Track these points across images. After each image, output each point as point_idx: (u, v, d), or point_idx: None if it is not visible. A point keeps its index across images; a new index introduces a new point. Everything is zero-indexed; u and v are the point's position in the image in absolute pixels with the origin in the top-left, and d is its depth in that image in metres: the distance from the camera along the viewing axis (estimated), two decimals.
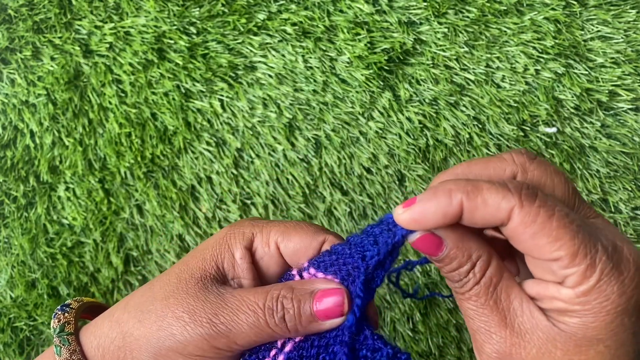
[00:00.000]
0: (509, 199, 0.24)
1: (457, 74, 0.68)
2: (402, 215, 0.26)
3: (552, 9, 0.68)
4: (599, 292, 0.23)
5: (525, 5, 0.69)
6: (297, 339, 0.29)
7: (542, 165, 0.27)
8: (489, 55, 0.68)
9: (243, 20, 0.68)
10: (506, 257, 0.30)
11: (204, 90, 0.68)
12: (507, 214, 0.24)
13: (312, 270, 0.30)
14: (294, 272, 0.31)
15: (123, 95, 0.68)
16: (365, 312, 0.27)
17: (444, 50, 0.68)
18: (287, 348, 0.29)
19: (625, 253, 0.24)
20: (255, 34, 0.69)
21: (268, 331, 0.28)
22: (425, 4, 0.69)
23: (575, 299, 0.23)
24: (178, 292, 0.29)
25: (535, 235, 0.23)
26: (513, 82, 0.67)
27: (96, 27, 0.70)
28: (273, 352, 0.29)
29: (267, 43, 0.69)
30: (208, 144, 0.67)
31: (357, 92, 0.67)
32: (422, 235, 0.26)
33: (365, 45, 0.67)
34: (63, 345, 0.30)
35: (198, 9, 0.69)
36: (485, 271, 0.26)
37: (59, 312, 0.32)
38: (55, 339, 0.31)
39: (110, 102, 0.68)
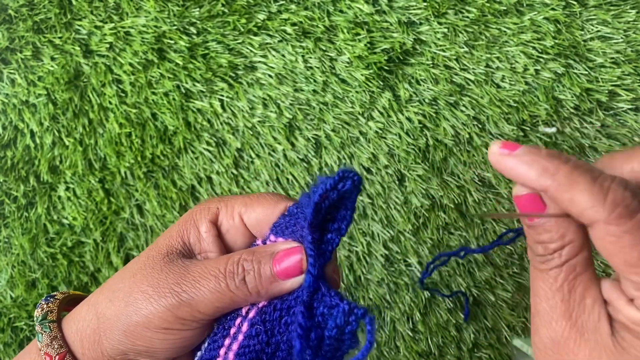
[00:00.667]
0: (597, 210, 0.23)
1: (457, 74, 0.68)
2: (493, 156, 0.25)
3: (552, 9, 0.68)
4: None
5: (525, 5, 0.69)
6: (260, 305, 0.29)
7: None
8: (488, 55, 0.68)
9: (243, 21, 0.69)
10: None
11: (204, 90, 0.68)
12: (590, 222, 0.23)
13: (272, 237, 0.30)
14: (258, 241, 0.31)
15: (123, 95, 0.68)
16: (322, 271, 0.27)
17: (443, 51, 0.68)
18: (251, 314, 0.29)
19: None
20: (255, 34, 0.69)
21: (229, 294, 0.28)
22: (425, 4, 0.69)
23: (637, 321, 0.23)
24: (144, 268, 0.30)
25: (613, 254, 0.23)
26: (513, 82, 0.68)
27: (96, 27, 0.70)
28: (238, 321, 0.29)
29: (267, 43, 0.69)
30: (208, 144, 0.67)
31: (357, 92, 0.67)
32: (530, 193, 0.25)
33: (365, 45, 0.67)
34: (44, 332, 0.30)
35: (198, 9, 0.69)
36: (572, 257, 0.26)
37: (43, 302, 0.33)
38: (37, 327, 0.31)
39: (110, 102, 0.68)
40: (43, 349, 0.30)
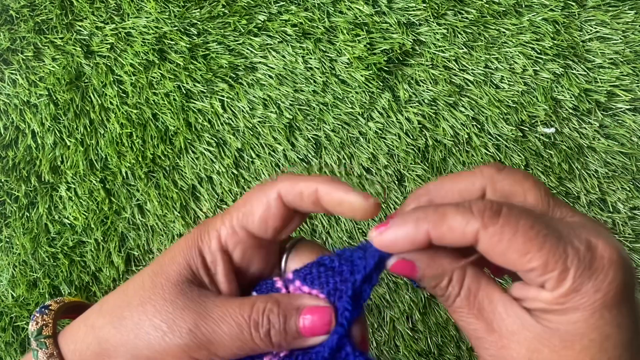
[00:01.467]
0: (472, 223, 0.25)
1: (456, 75, 0.68)
2: (376, 239, 0.27)
3: (551, 9, 0.69)
4: (575, 292, 0.24)
5: (523, 6, 0.69)
6: (281, 354, 0.28)
7: (511, 174, 0.27)
8: (487, 56, 0.68)
9: (243, 22, 0.69)
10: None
11: (205, 90, 0.68)
12: (474, 237, 0.25)
13: (297, 283, 0.29)
14: (279, 284, 0.30)
15: (124, 95, 0.69)
16: (350, 329, 0.27)
17: (443, 51, 0.69)
18: None
19: (599, 250, 0.24)
20: (256, 35, 0.69)
21: (251, 345, 0.27)
22: (424, 5, 0.69)
23: (554, 300, 0.24)
24: (155, 298, 0.28)
25: (505, 253, 0.24)
26: (512, 83, 0.68)
27: (97, 28, 0.70)
28: None
29: (267, 44, 0.69)
30: (209, 144, 0.68)
31: (356, 92, 0.68)
32: (395, 261, 0.27)
33: (365, 46, 0.68)
34: (40, 348, 0.29)
35: (199, 10, 0.70)
36: (462, 283, 0.27)
37: (37, 315, 0.31)
38: (32, 343, 0.30)
39: (111, 103, 0.69)
40: None
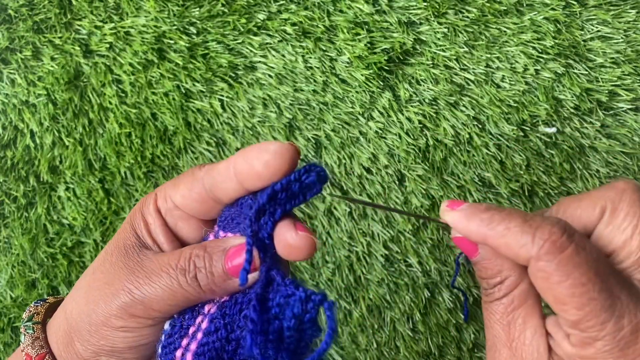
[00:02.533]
0: (527, 247, 0.24)
1: (456, 74, 0.68)
2: (443, 211, 0.28)
3: (552, 9, 0.68)
4: None
5: (525, 5, 0.69)
6: (221, 300, 0.28)
7: (634, 205, 0.25)
8: (488, 55, 0.68)
9: (243, 21, 0.69)
10: None
11: (204, 90, 0.68)
12: (524, 261, 0.25)
13: (221, 233, 0.29)
14: (210, 236, 0.30)
15: (123, 95, 0.68)
16: (273, 261, 0.26)
17: (443, 51, 0.68)
18: (212, 310, 0.27)
19: None
20: (255, 34, 0.69)
21: (182, 292, 0.27)
22: (425, 4, 0.69)
23: (572, 355, 0.24)
24: (103, 264, 0.29)
25: (544, 291, 0.24)
26: (513, 82, 0.68)
27: (96, 27, 0.70)
28: (199, 319, 0.27)
29: (267, 43, 0.69)
30: (208, 144, 0.67)
31: (357, 92, 0.67)
32: (460, 236, 0.28)
33: (365, 45, 0.67)
34: (27, 333, 0.30)
35: (198, 9, 0.69)
36: (510, 291, 0.27)
37: (32, 305, 0.33)
38: (21, 328, 0.30)
39: (110, 102, 0.68)
40: (24, 350, 0.29)
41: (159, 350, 0.28)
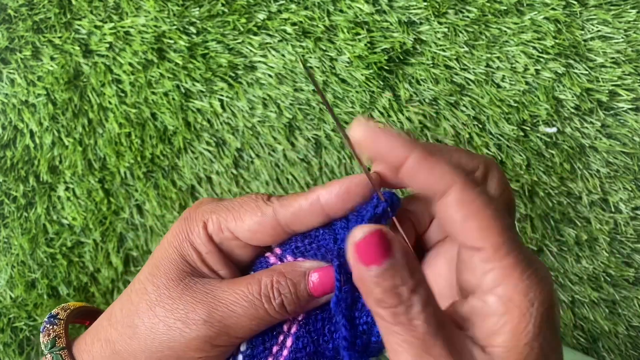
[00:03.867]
0: (453, 176, 0.22)
1: (457, 74, 0.68)
2: (356, 127, 0.23)
3: (552, 8, 0.68)
4: (519, 294, 0.21)
5: (525, 5, 0.69)
6: (300, 318, 0.29)
7: (501, 178, 0.27)
8: (489, 55, 0.68)
9: (243, 20, 0.68)
10: None
11: (204, 90, 0.68)
12: (447, 187, 0.22)
13: (289, 257, 0.30)
14: (272, 259, 0.31)
15: (123, 95, 0.68)
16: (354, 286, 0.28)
17: (444, 50, 0.68)
18: (293, 329, 0.29)
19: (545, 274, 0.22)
20: (255, 34, 0.69)
21: (268, 319, 0.28)
22: (425, 3, 0.68)
23: (499, 306, 0.21)
24: (162, 299, 0.28)
25: (468, 217, 0.22)
26: (513, 82, 0.67)
27: (96, 27, 0.70)
28: (280, 338, 0.29)
29: (267, 43, 0.69)
30: (208, 143, 0.67)
31: (357, 92, 0.67)
32: (371, 234, 0.21)
33: (365, 45, 0.67)
34: None
35: (198, 8, 0.69)
36: (430, 295, 0.22)
37: (48, 326, 0.31)
38: (47, 356, 0.30)
39: (110, 102, 0.68)
40: None
41: None
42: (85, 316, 0.35)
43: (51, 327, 0.31)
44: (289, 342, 0.28)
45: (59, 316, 0.32)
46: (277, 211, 0.29)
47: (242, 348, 0.29)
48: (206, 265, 0.30)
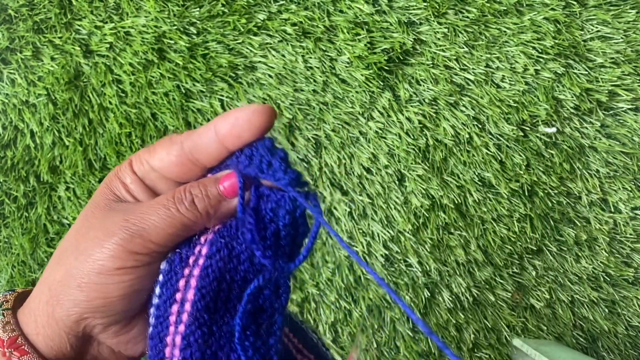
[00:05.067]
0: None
1: (456, 74, 0.68)
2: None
3: (552, 9, 0.68)
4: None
5: (525, 5, 0.69)
6: (215, 228, 0.30)
7: None
8: (488, 56, 0.68)
9: (243, 21, 0.69)
10: None
11: (204, 90, 0.68)
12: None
13: (209, 176, 0.32)
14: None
15: (123, 95, 0.68)
16: (259, 183, 0.29)
17: (443, 51, 0.68)
18: (209, 237, 0.29)
19: None
20: (255, 34, 0.69)
21: (180, 218, 0.29)
22: (425, 4, 0.69)
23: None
24: (87, 221, 0.30)
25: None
26: (513, 82, 0.68)
27: (96, 27, 0.70)
28: (197, 249, 0.29)
29: (267, 43, 0.69)
30: None
31: (357, 92, 0.67)
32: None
33: (365, 45, 0.67)
34: None
35: (198, 9, 0.69)
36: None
37: (0, 295, 0.32)
38: None
39: (110, 102, 0.68)
40: None
41: (157, 290, 0.29)
42: None
43: (2, 296, 0.32)
44: (204, 250, 0.29)
45: (15, 291, 0.33)
46: (183, 141, 0.31)
47: (163, 266, 0.30)
48: (131, 195, 0.31)
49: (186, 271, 0.28)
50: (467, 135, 0.67)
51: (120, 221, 0.28)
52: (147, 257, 0.28)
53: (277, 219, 0.28)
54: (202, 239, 0.29)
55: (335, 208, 0.66)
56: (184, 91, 0.68)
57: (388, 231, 0.65)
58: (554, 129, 0.67)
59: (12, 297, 0.32)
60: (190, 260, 0.29)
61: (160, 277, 0.29)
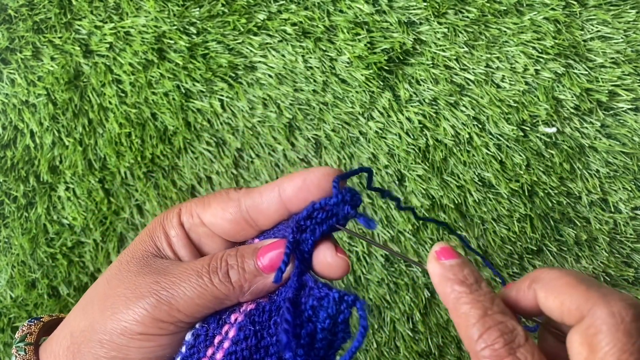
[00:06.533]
0: (472, 342, 0.27)
1: (456, 74, 0.68)
2: (429, 260, 0.28)
3: (552, 9, 0.68)
4: None
5: (525, 5, 0.69)
6: (248, 308, 0.27)
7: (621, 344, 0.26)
8: (488, 56, 0.68)
9: (243, 21, 0.69)
10: None
11: (204, 90, 0.68)
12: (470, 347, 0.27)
13: (255, 240, 0.30)
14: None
15: (123, 95, 0.68)
16: (305, 266, 0.27)
17: (443, 51, 0.68)
18: (240, 319, 0.27)
19: None
20: (255, 34, 0.69)
21: (211, 289, 0.27)
22: (425, 4, 0.69)
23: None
24: (120, 273, 0.28)
25: None
26: (513, 82, 0.68)
27: (96, 27, 0.70)
28: (225, 328, 0.27)
29: (267, 43, 0.69)
30: (208, 144, 0.67)
31: (357, 92, 0.67)
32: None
33: (365, 45, 0.67)
34: (19, 354, 0.29)
35: (198, 9, 0.69)
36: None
37: (25, 324, 0.31)
38: (13, 350, 0.29)
39: (110, 102, 0.68)
40: None
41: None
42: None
43: (27, 326, 0.31)
44: (231, 333, 0.27)
45: (41, 319, 0.32)
46: (242, 199, 0.29)
47: (187, 337, 0.28)
48: (172, 249, 0.30)
49: (209, 351, 0.26)
50: (467, 135, 0.67)
51: (152, 283, 0.27)
52: (172, 326, 0.27)
53: (316, 320, 0.25)
54: (232, 318, 0.27)
55: None
56: (183, 91, 0.68)
57: (388, 231, 0.65)
58: (554, 129, 0.67)
59: (37, 329, 0.31)
60: (216, 340, 0.26)
61: (183, 349, 0.27)
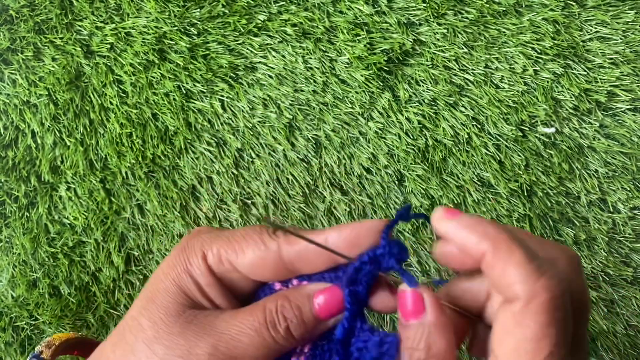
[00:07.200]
0: (525, 288, 0.24)
1: (456, 75, 0.68)
2: (437, 220, 0.26)
3: (551, 9, 0.69)
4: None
5: (524, 6, 0.69)
6: (306, 350, 0.28)
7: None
8: (487, 56, 0.68)
9: (243, 21, 0.69)
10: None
11: (205, 90, 0.68)
12: (512, 297, 0.25)
13: (295, 282, 0.29)
14: (277, 286, 0.30)
15: (124, 95, 0.69)
16: (357, 307, 0.27)
17: (443, 51, 0.68)
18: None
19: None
20: (256, 35, 0.69)
21: (275, 347, 0.26)
22: (424, 5, 0.69)
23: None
24: (160, 336, 0.26)
25: (508, 334, 0.25)
26: (512, 83, 0.68)
27: (97, 27, 0.70)
28: None
29: (267, 44, 0.69)
30: (209, 144, 0.68)
31: (356, 92, 0.68)
32: (415, 291, 0.26)
33: (365, 46, 0.68)
34: None
35: (199, 10, 0.70)
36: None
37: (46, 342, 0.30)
38: None
39: (111, 103, 0.68)
40: None
41: None
42: (72, 348, 0.33)
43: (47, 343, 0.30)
44: None
45: (42, 355, 0.30)
46: (282, 247, 0.27)
47: None
48: (206, 297, 0.28)
49: None
50: (467, 136, 0.67)
51: (208, 350, 0.25)
52: None
53: None
54: None
55: (335, 208, 0.66)
56: (184, 91, 0.68)
57: None
58: (552, 129, 0.67)
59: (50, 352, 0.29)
60: None
61: None
